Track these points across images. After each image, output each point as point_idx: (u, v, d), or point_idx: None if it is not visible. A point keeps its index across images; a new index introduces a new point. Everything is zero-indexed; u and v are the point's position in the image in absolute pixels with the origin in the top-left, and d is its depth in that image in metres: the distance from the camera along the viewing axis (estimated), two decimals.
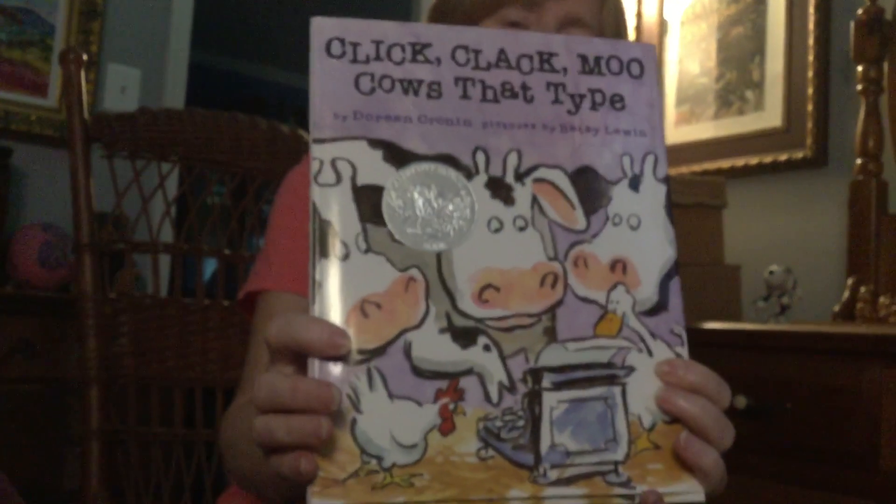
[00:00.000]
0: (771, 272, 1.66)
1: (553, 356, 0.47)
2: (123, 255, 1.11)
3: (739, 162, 2.02)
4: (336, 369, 0.43)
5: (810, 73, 1.90)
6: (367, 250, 0.45)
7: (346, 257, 0.45)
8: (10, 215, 2.27)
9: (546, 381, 0.46)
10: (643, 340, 0.49)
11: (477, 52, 0.50)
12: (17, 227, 2.30)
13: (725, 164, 2.05)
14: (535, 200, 0.49)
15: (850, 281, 1.69)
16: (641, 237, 0.50)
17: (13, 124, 2.40)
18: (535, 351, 0.46)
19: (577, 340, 0.47)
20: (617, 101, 0.52)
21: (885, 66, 1.72)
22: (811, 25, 1.90)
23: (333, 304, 0.44)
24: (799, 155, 1.92)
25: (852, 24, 1.74)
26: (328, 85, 0.47)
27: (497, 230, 0.47)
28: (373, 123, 0.47)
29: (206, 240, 1.14)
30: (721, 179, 1.86)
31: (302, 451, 0.42)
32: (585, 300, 0.48)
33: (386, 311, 0.45)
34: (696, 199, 1.78)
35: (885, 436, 1.16)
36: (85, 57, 1.09)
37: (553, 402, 0.46)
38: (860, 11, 1.74)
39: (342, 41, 0.48)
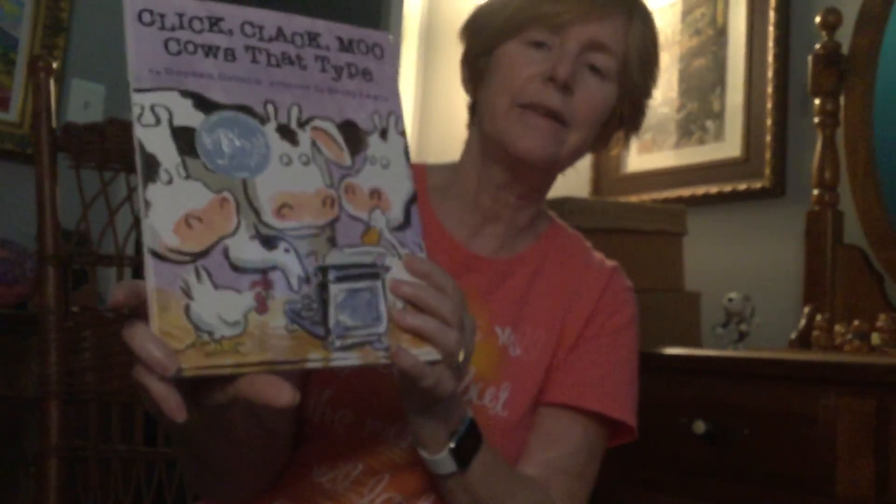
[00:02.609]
0: (730, 299, 1.69)
1: (334, 257, 0.61)
2: (86, 270, 1.10)
3: (700, 190, 2.06)
4: (168, 269, 0.54)
5: (769, 105, 1.95)
6: (187, 177, 0.57)
7: (169, 182, 0.56)
8: None
9: (331, 275, 0.60)
10: (395, 248, 0.64)
11: (261, 28, 0.63)
12: None
13: (686, 192, 2.09)
14: (313, 143, 0.63)
15: (806, 309, 1.73)
16: (390, 174, 0.66)
17: None
18: (321, 253, 0.60)
19: (350, 247, 0.62)
20: (367, 74, 0.67)
21: (842, 99, 1.77)
22: (770, 58, 1.95)
23: (163, 219, 0.55)
24: (757, 185, 1.96)
25: (810, 59, 1.79)
26: (142, 46, 0.58)
27: (287, 164, 0.61)
28: (182, 78, 0.59)
29: None
30: (682, 207, 1.89)
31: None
32: (354, 218, 0.63)
33: (206, 223, 0.56)
34: (657, 226, 1.81)
35: (840, 462, 1.18)
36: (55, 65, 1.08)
37: (336, 291, 0.60)
38: (818, 46, 1.79)
39: (151, 12, 0.59)
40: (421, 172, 0.99)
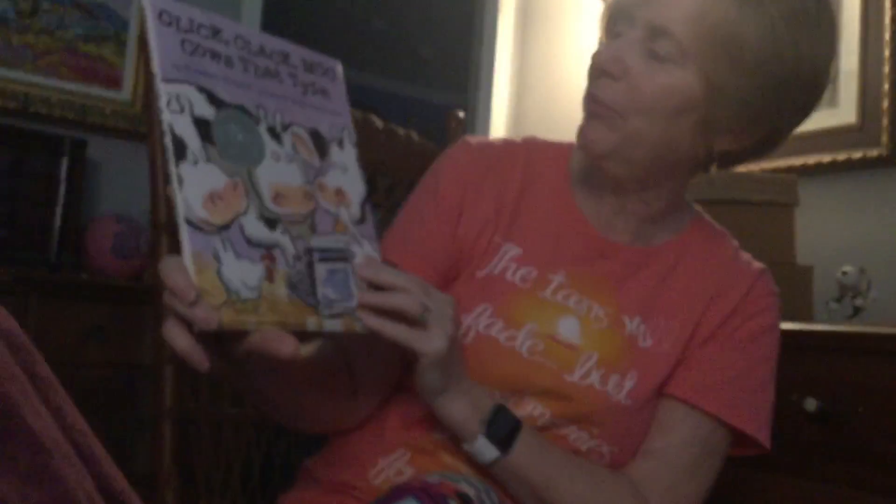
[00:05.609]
0: (844, 273, 1.62)
1: (316, 241, 0.71)
2: None
3: (812, 159, 1.98)
4: (201, 236, 0.62)
5: (886, 69, 1.85)
6: (208, 161, 0.65)
7: (195, 163, 0.64)
8: (85, 206, 2.34)
9: (315, 256, 0.70)
10: (357, 239, 0.74)
11: (248, 42, 0.72)
12: (91, 217, 2.37)
13: (797, 161, 2.01)
14: (293, 145, 0.72)
15: None
16: (348, 177, 0.76)
17: (89, 117, 2.47)
18: (307, 237, 0.70)
19: (326, 234, 0.72)
20: (325, 92, 0.77)
21: None
22: (887, 20, 1.86)
23: (194, 193, 0.63)
24: (874, 153, 1.87)
25: None
26: (164, 42, 0.65)
27: (277, 160, 0.70)
28: (196, 75, 0.66)
29: None
30: (792, 177, 1.82)
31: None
32: (327, 211, 0.73)
33: (225, 201, 0.65)
34: (766, 196, 1.75)
35: None
36: None
37: (320, 269, 0.70)
38: None
39: (168, 13, 0.66)
40: (565, 153, 0.98)
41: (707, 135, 0.87)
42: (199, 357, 0.62)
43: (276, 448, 1.13)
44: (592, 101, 0.86)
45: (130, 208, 2.37)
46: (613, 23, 0.88)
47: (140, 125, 2.44)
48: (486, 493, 0.75)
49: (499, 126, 3.01)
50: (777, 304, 0.97)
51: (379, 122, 1.29)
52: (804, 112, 0.90)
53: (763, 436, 0.92)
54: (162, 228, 1.08)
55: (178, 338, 0.62)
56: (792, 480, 1.38)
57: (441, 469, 0.85)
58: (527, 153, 0.97)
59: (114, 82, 2.54)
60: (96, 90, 2.50)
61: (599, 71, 0.85)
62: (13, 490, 0.45)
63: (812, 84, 0.87)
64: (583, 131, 0.88)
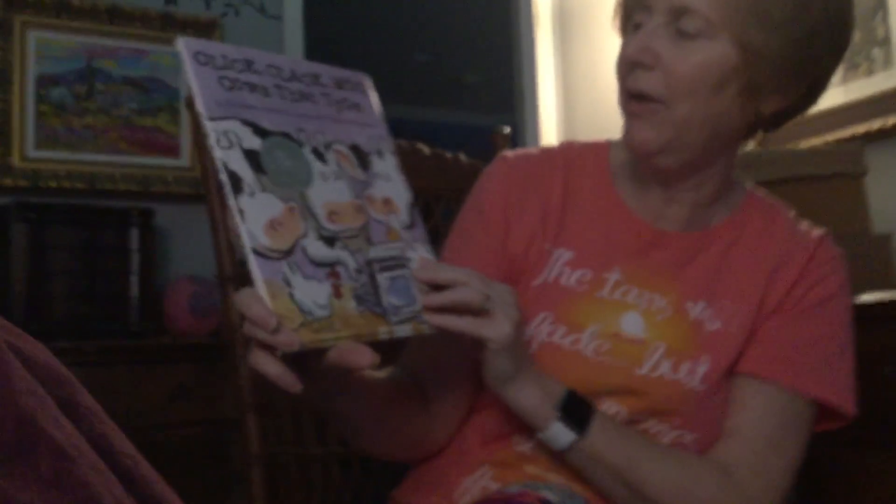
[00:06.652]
0: None
1: (374, 252, 0.73)
2: None
3: (875, 125, 1.92)
4: (269, 264, 0.64)
5: None
6: (263, 190, 0.67)
7: (252, 195, 0.66)
8: (157, 272, 2.41)
9: (375, 266, 0.72)
10: (410, 244, 0.76)
11: (279, 69, 0.74)
12: (166, 282, 2.43)
13: (861, 128, 1.95)
14: (338, 163, 0.74)
15: None
16: (393, 185, 0.78)
17: (153, 186, 2.55)
18: (365, 250, 0.72)
19: (382, 244, 0.74)
20: (358, 107, 0.79)
21: None
22: None
23: (256, 224, 0.65)
24: None
25: None
26: (204, 82, 0.67)
27: (325, 179, 0.72)
28: (238, 109, 0.68)
29: None
30: (858, 146, 1.76)
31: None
32: (378, 221, 0.75)
33: (285, 227, 0.67)
34: (833, 169, 1.69)
35: None
36: None
37: (382, 278, 0.72)
38: None
39: (204, 54, 0.69)
40: (603, 151, 0.98)
41: (753, 100, 0.86)
42: (290, 379, 0.64)
43: (366, 484, 1.13)
44: (631, 98, 0.85)
45: (202, 269, 2.43)
46: (629, 17, 0.87)
47: (201, 188, 2.51)
48: (571, 498, 0.74)
49: (550, 141, 3.00)
50: (842, 266, 0.94)
51: (426, 150, 1.31)
52: (840, 54, 0.89)
53: (845, 403, 0.89)
54: (228, 280, 1.10)
55: (267, 364, 0.64)
56: (889, 454, 1.32)
57: (526, 481, 0.84)
58: (565, 157, 0.96)
59: (172, 150, 2.62)
60: (156, 160, 2.58)
61: (631, 64, 0.84)
62: (36, 496, 0.46)
63: (842, 23, 0.87)
64: (629, 133, 0.87)
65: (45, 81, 2.46)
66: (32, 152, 2.44)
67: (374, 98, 0.81)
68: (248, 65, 0.71)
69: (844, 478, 1.38)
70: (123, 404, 2.04)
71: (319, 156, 0.72)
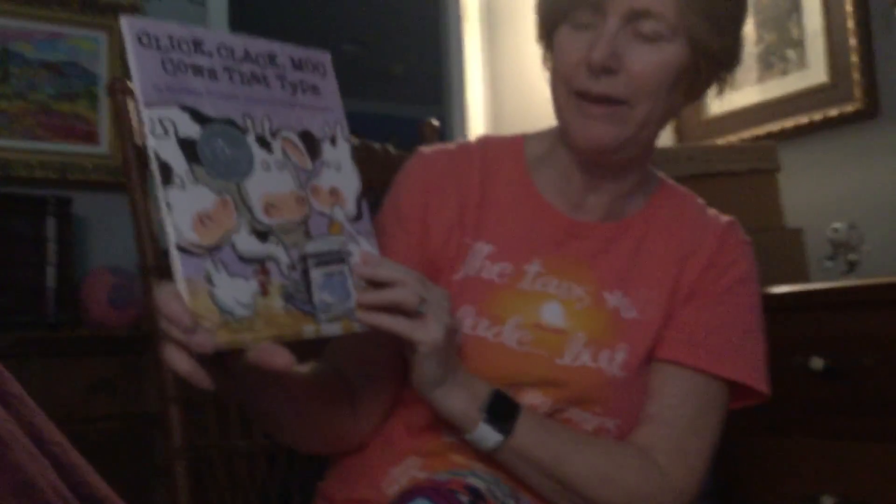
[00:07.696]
0: (835, 230, 1.62)
1: (311, 247, 0.71)
2: None
3: (789, 123, 1.99)
4: (192, 261, 0.63)
5: (851, 24, 1.86)
6: (196, 182, 0.65)
7: (182, 187, 0.64)
8: (75, 262, 2.34)
9: (310, 262, 0.70)
10: (353, 237, 0.74)
11: (232, 50, 0.71)
12: (84, 273, 2.37)
13: (775, 127, 2.02)
14: (283, 151, 0.71)
15: None
16: (342, 174, 0.75)
17: (70, 174, 2.48)
18: (301, 244, 0.70)
19: (321, 237, 0.72)
20: (315, 89, 0.76)
21: None
22: None
23: (183, 218, 0.63)
24: (849, 108, 1.88)
25: None
26: (144, 65, 0.65)
27: (267, 169, 0.70)
28: (179, 94, 0.66)
29: None
30: (772, 143, 1.82)
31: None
32: (321, 213, 0.72)
33: (215, 221, 0.65)
34: (748, 165, 1.75)
35: None
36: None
37: (317, 274, 0.70)
38: None
39: (148, 35, 0.66)
40: (518, 144, 0.99)
41: (696, 93, 0.92)
42: (201, 376, 0.64)
43: (292, 476, 1.13)
44: (587, 100, 0.86)
45: (122, 259, 2.37)
46: (572, 11, 0.87)
47: (121, 176, 2.45)
48: (496, 485, 0.75)
49: (478, 132, 3.02)
50: (750, 252, 0.97)
51: (355, 141, 1.30)
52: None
53: (758, 382, 0.92)
54: (151, 271, 1.08)
55: (180, 362, 0.64)
56: (807, 440, 1.38)
57: (453, 469, 0.85)
58: (482, 151, 0.97)
59: (91, 137, 2.55)
60: (74, 147, 2.51)
61: (598, 69, 0.84)
62: None
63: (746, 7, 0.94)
64: (580, 131, 0.87)
65: None
66: None
67: (333, 81, 0.78)
68: (197, 45, 0.68)
69: (760, 463, 1.44)
70: (38, 398, 1.98)
71: (264, 144, 0.70)
